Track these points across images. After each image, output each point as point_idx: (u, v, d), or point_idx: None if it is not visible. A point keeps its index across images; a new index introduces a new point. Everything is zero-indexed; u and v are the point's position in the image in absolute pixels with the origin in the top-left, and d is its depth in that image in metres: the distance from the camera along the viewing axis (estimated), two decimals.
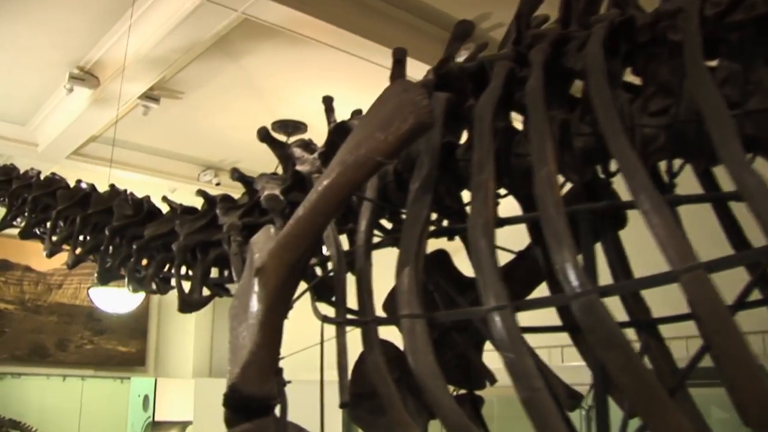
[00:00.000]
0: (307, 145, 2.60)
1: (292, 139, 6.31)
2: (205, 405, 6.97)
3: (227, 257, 2.40)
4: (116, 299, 8.90)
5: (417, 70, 4.54)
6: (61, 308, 10.02)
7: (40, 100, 6.06)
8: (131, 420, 8.99)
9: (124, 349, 10.37)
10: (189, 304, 2.71)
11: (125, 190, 3.17)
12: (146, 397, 8.74)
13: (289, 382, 1.89)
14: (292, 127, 6.19)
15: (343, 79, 5.47)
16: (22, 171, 3.69)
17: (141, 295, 9.07)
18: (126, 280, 3.04)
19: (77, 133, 6.22)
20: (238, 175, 2.47)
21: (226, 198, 2.61)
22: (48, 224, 3.34)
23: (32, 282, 9.88)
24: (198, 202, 2.61)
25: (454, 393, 1.77)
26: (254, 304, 1.69)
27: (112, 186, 3.29)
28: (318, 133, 6.04)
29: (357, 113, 2.23)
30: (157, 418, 8.57)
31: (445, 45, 1.58)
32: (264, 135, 2.50)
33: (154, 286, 2.90)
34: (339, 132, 2.09)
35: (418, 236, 1.33)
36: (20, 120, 6.49)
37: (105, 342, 10.23)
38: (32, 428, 9.00)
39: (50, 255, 3.41)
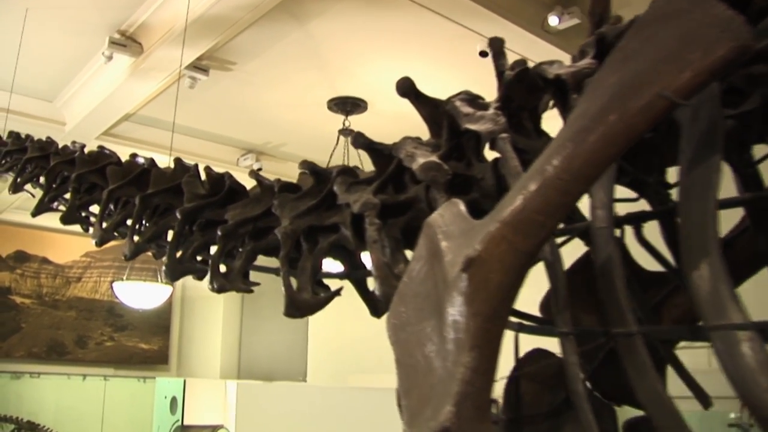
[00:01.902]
0: (474, 100, 1.90)
1: (351, 118, 5.71)
2: (248, 411, 6.35)
3: (343, 246, 1.79)
4: (142, 294, 8.32)
5: (516, 36, 3.89)
6: (80, 303, 9.43)
7: (72, 71, 5.44)
8: (157, 423, 8.37)
9: (146, 346, 9.78)
10: (299, 306, 2.04)
11: (195, 165, 2.54)
12: (174, 399, 8.11)
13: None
14: (351, 104, 5.58)
15: (419, 51, 4.85)
16: (60, 145, 3.09)
17: (169, 290, 8.49)
18: (209, 275, 2.38)
19: (111, 109, 5.60)
20: (363, 140, 1.82)
21: (345, 170, 1.96)
22: (96, 207, 2.74)
23: (50, 275, 9.28)
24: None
25: None
26: (457, 310, 1.07)
27: (178, 160, 2.66)
28: (379, 111, 5.44)
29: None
30: (185, 422, 7.96)
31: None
32: (407, 87, 1.82)
33: (242, 284, 2.26)
34: (524, 79, 1.48)
35: (710, 211, 0.95)
36: (47, 95, 5.87)
37: (126, 339, 9.64)
38: (50, 431, 8.44)
39: (101, 243, 2.74)
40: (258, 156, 6.71)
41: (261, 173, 3.55)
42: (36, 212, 3.03)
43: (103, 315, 9.55)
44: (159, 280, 8.86)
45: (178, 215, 2.29)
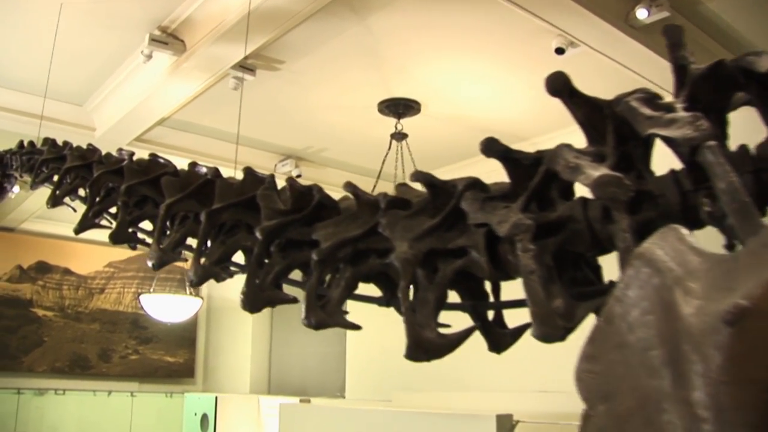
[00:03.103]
0: (652, 99, 1.48)
1: (403, 121, 5.32)
2: None
3: (472, 274, 1.45)
4: (170, 307, 7.93)
5: (594, 30, 3.48)
6: (103, 315, 9.06)
7: (105, 73, 5.06)
8: None
9: (172, 359, 9.40)
10: (427, 348, 1.63)
11: (271, 176, 2.14)
12: (205, 417, 7.73)
13: None
14: (404, 107, 5.18)
15: (483, 49, 4.45)
16: (103, 152, 2.73)
17: (198, 302, 8.10)
18: (303, 308, 1.96)
19: (147, 113, 5.22)
20: (498, 146, 1.45)
21: (474, 183, 1.56)
22: (152, 223, 2.38)
23: (72, 286, 8.92)
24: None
25: None
26: (717, 375, 0.79)
27: (249, 170, 2.26)
28: (432, 113, 5.02)
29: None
30: None
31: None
32: (561, 84, 1.44)
33: (343, 318, 1.86)
34: (719, 73, 1.11)
35: None
36: (77, 99, 5.50)
37: (151, 352, 9.27)
38: None
39: (160, 266, 2.33)
40: (297, 162, 6.33)
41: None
42: (79, 229, 2.63)
43: (127, 327, 9.18)
44: (187, 291, 8.48)
45: (259, 235, 1.90)
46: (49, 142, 3.11)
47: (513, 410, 5.01)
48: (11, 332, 8.35)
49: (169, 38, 4.31)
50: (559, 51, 4.22)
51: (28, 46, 4.66)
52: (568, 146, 1.37)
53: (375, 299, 1.73)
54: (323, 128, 5.73)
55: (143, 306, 7.65)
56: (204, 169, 2.32)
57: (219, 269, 2.08)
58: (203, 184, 2.21)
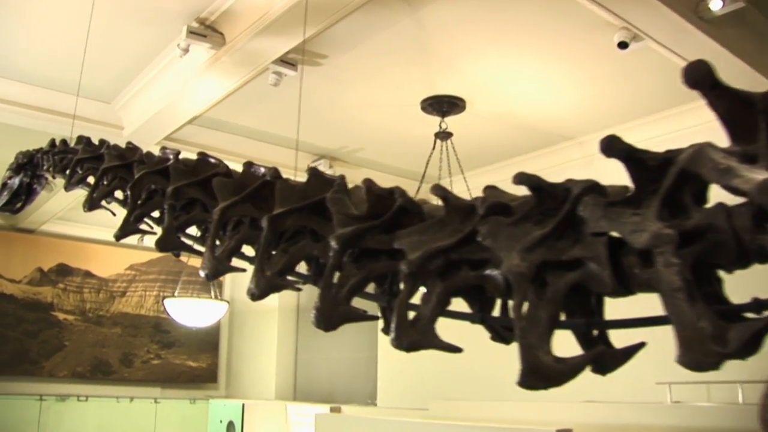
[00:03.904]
0: None
1: (448, 119, 5.07)
2: None
3: (586, 289, 1.28)
4: (196, 311, 7.69)
5: (661, 22, 3.21)
6: (125, 319, 8.85)
7: (136, 69, 4.83)
8: None
9: (195, 364, 9.19)
10: (545, 374, 1.41)
11: (341, 177, 1.90)
12: (231, 424, 7.50)
13: None
14: (448, 104, 4.92)
15: (537, 45, 4.20)
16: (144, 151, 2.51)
17: (224, 306, 7.87)
18: (393, 327, 1.70)
19: (180, 110, 4.99)
20: (621, 145, 1.27)
21: (593, 187, 1.36)
22: (199, 229, 2.18)
23: (93, 289, 8.71)
24: None
25: None
26: None
27: (315, 171, 2.02)
28: (477, 112, 4.75)
29: None
30: None
31: None
32: (703, 74, 1.21)
33: (437, 338, 1.64)
34: None
35: None
36: (105, 96, 5.27)
37: (173, 356, 9.06)
38: None
39: (215, 276, 2.08)
40: (331, 162, 6.09)
41: None
42: (121, 235, 2.39)
43: (149, 331, 8.97)
44: (212, 295, 8.26)
45: (334, 244, 1.68)
46: (84, 141, 2.88)
47: (564, 421, 4.77)
48: (32, 336, 8.15)
49: (207, 30, 4.07)
50: (622, 45, 3.96)
51: (57, 42, 4.44)
52: (712, 145, 1.19)
53: (466, 315, 1.53)
54: (361, 127, 5.48)
55: (167, 310, 7.42)
56: (262, 169, 2.09)
57: (281, 280, 1.85)
58: (261, 186, 1.99)
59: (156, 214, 2.36)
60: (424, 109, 4.99)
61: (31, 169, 3.47)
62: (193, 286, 9.27)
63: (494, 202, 1.47)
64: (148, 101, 5.08)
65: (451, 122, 5.04)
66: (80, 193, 7.43)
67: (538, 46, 4.25)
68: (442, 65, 4.49)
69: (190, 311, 7.45)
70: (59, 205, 7.44)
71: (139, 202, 2.34)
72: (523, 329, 1.28)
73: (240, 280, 9.52)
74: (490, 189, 1.57)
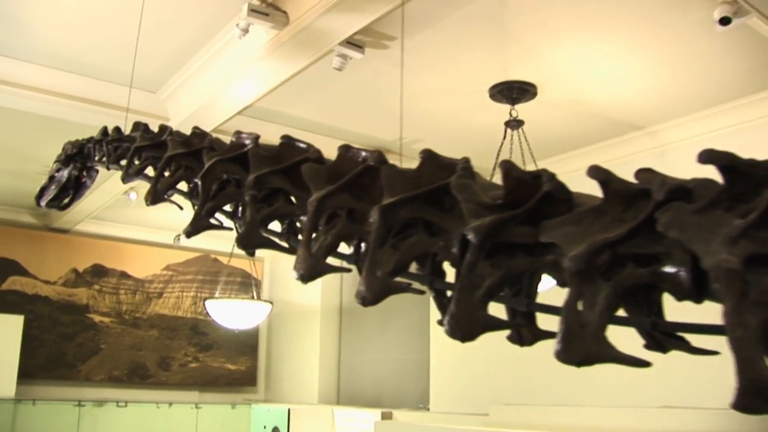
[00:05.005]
0: None
1: (518, 106, 4.73)
2: None
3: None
4: (238, 312, 7.39)
5: None
6: (161, 321, 8.59)
7: (186, 54, 4.54)
8: None
9: (233, 367, 8.91)
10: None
11: (465, 160, 1.60)
12: (276, 430, 7.20)
13: None
14: (518, 91, 4.57)
15: (622, 27, 3.84)
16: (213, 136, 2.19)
17: (268, 308, 7.57)
18: (560, 338, 1.36)
19: (231, 99, 4.68)
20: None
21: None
22: (281, 223, 1.89)
23: (129, 291, 8.45)
24: None
25: None
26: None
27: (429, 153, 1.74)
28: (548, 99, 4.30)
29: None
30: None
31: None
32: None
33: (611, 347, 1.31)
34: None
35: None
36: (151, 84, 4.98)
37: (211, 359, 8.78)
38: None
39: (312, 277, 1.73)
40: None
41: None
42: (192, 231, 2.04)
43: (186, 334, 8.70)
44: (254, 296, 7.96)
45: (473, 237, 1.36)
46: (142, 127, 2.58)
47: (638, 428, 4.44)
48: (68, 339, 7.91)
49: (269, 9, 3.76)
50: (725, 21, 3.60)
51: (103, 28, 4.15)
52: None
53: (630, 321, 1.22)
54: (420, 117, 5.14)
55: (209, 312, 7.13)
56: (363, 153, 1.75)
57: (394, 282, 1.52)
58: (361, 173, 1.66)
59: (228, 207, 2.04)
60: (492, 96, 4.65)
61: (81, 160, 3.15)
62: (231, 287, 9.00)
63: (676, 185, 1.18)
64: (197, 90, 4.79)
65: (521, 110, 4.69)
66: (116, 191, 7.12)
67: (621, 28, 3.90)
68: (518, 48, 4.14)
69: (232, 313, 7.15)
70: (94, 204, 7.17)
71: (210, 194, 2.03)
72: (740, 339, 0.98)
73: (279, 279, 9.23)
74: (644, 172, 1.29)
